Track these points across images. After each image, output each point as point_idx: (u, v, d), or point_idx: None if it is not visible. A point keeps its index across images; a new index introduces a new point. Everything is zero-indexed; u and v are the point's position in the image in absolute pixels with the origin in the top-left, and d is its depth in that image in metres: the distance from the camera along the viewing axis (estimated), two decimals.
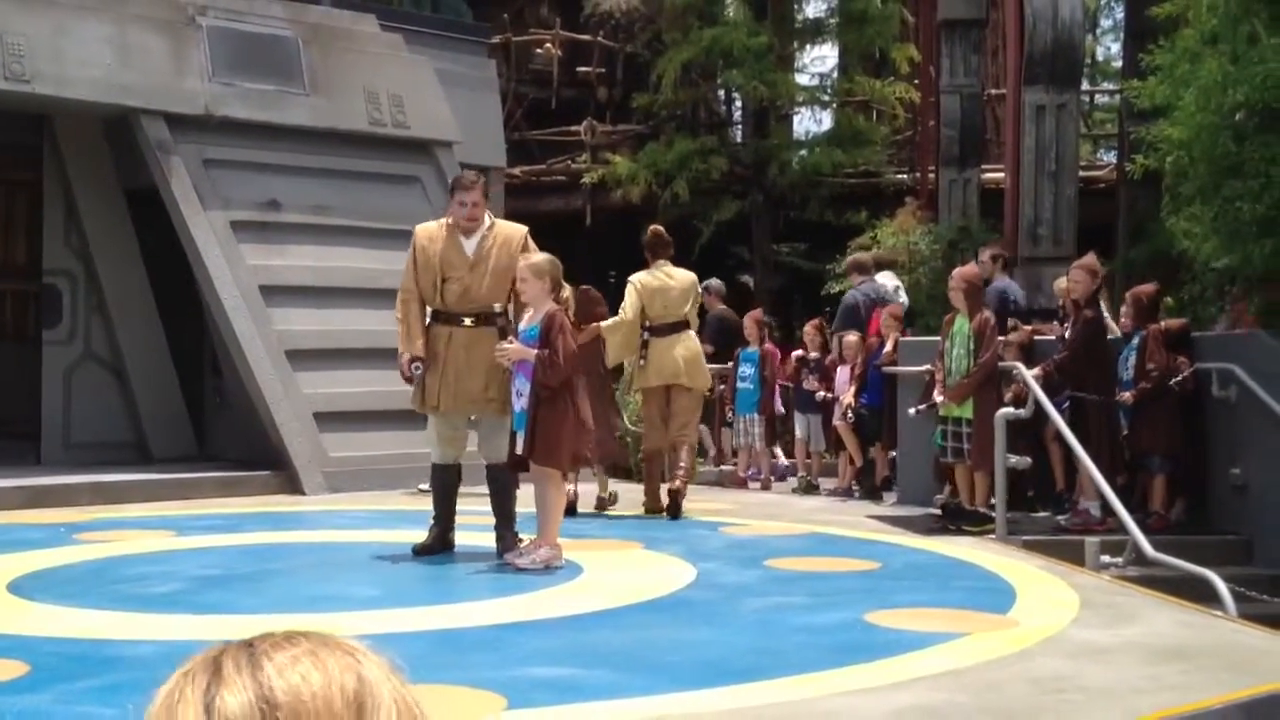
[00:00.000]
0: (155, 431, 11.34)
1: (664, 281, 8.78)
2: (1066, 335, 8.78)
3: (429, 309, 6.88)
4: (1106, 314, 9.07)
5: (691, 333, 8.84)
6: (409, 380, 6.83)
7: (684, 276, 8.92)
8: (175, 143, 10.47)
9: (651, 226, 9.39)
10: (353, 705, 0.87)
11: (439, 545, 6.89)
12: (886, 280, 11.09)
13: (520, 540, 6.65)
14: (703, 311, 11.61)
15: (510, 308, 6.78)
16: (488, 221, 6.93)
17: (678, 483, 8.61)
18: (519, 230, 7.02)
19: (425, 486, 9.28)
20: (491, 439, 6.82)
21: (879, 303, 10.63)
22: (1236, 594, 6.32)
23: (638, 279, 8.82)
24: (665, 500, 8.63)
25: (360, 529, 7.97)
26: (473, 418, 6.97)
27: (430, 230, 6.93)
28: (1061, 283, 9.37)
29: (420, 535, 7.14)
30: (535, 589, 5.88)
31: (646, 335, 8.72)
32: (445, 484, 6.93)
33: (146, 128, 10.41)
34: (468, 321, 6.76)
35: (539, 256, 6.48)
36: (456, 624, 5.16)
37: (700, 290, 11.07)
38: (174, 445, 11.33)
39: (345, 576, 6.46)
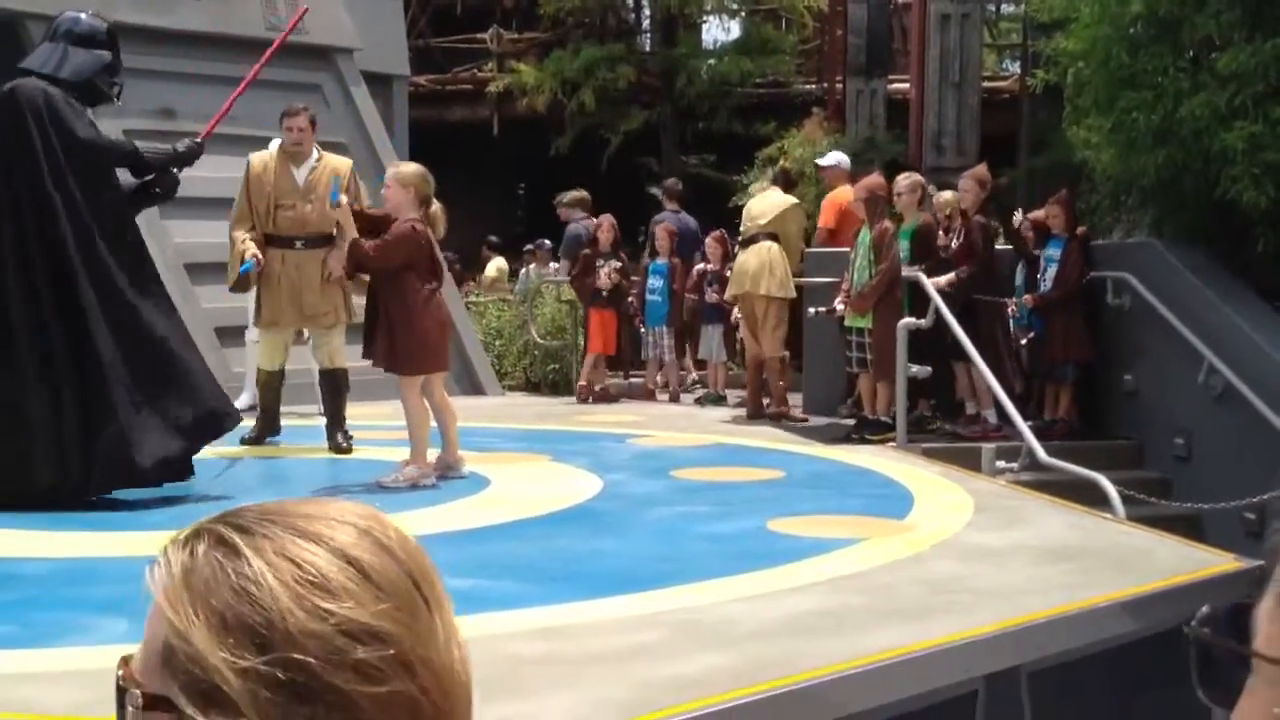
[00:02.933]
0: None
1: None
2: (953, 245, 8.89)
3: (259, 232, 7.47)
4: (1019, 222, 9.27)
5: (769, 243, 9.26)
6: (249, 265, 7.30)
7: (768, 194, 9.69)
8: None
9: None
10: (402, 550, 0.87)
11: (267, 431, 7.60)
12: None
13: (350, 440, 7.42)
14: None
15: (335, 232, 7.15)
16: (316, 153, 7.54)
17: (770, 408, 9.34)
18: (346, 163, 7.72)
19: (239, 404, 9.47)
20: (323, 347, 7.63)
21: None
22: (1125, 497, 6.52)
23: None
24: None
25: (259, 445, 7.87)
26: (305, 332, 7.72)
27: (263, 159, 7.54)
28: (944, 196, 9.41)
29: (309, 450, 7.55)
30: (440, 502, 5.90)
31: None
32: (275, 387, 7.68)
33: (33, 33, 10.01)
34: (299, 244, 7.38)
35: (407, 167, 6.61)
36: None
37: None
38: None
39: (240, 492, 6.40)
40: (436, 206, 6.42)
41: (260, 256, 7.32)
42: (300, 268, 7.39)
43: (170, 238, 10.09)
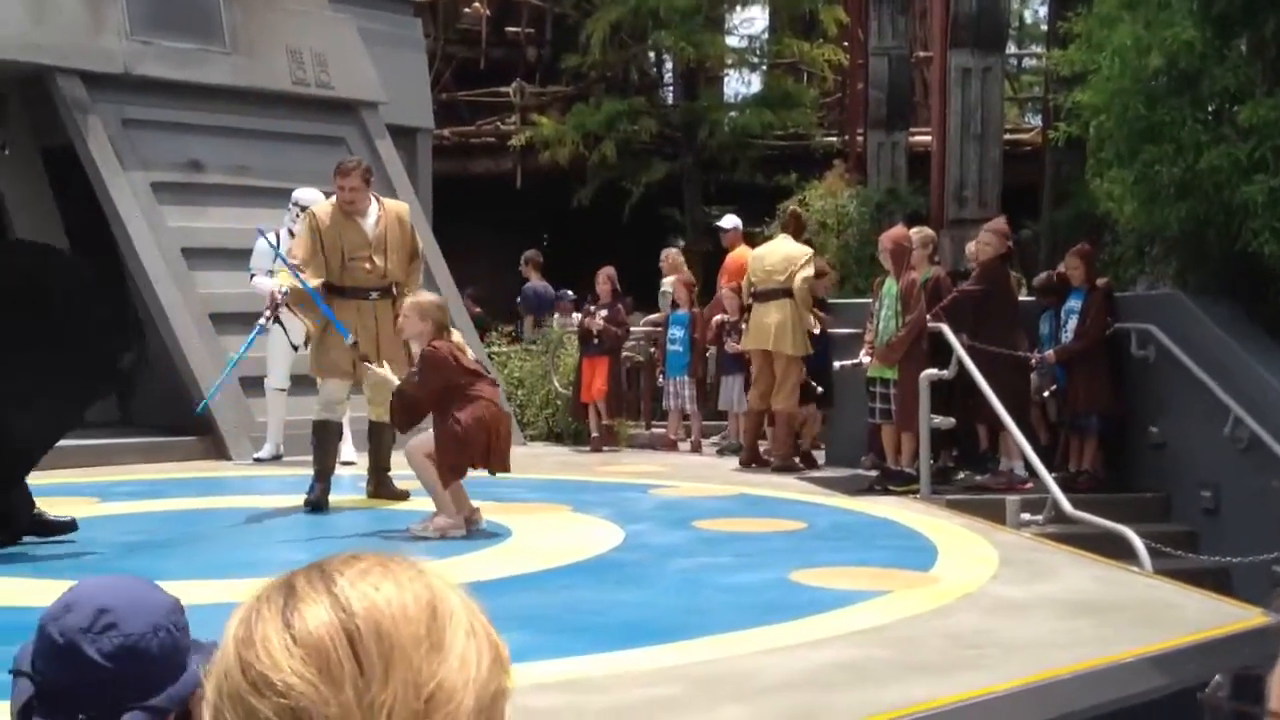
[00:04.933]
0: None
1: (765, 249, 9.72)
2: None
3: (328, 283, 7.22)
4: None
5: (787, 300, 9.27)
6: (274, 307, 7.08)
7: (780, 246, 9.64)
8: (93, 102, 10.24)
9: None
10: (426, 610, 0.90)
11: (327, 500, 7.20)
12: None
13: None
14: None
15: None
16: (375, 201, 7.35)
17: (773, 460, 9.34)
18: (403, 206, 7.62)
19: (261, 455, 9.49)
20: (380, 396, 7.22)
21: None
22: (1152, 550, 6.46)
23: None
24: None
25: (287, 494, 7.88)
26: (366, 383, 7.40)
27: (327, 211, 7.29)
28: (972, 246, 9.49)
29: (348, 498, 7.45)
30: (461, 553, 5.88)
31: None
32: (333, 441, 7.46)
33: (62, 87, 10.17)
34: (374, 295, 7.21)
35: (426, 298, 6.63)
36: None
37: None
38: (97, 410, 11.09)
39: (271, 542, 6.43)
40: (457, 336, 6.51)
41: (277, 298, 7.21)
42: (379, 318, 7.23)
43: (196, 288, 10.16)
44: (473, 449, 6.30)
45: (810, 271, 9.34)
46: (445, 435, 6.26)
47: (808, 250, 9.57)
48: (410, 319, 6.40)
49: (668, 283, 11.75)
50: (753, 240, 12.95)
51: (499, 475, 6.53)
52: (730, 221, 11.20)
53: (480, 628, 0.93)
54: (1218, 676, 0.77)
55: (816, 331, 9.46)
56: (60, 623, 1.55)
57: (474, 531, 6.39)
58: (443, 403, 6.28)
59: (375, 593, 0.89)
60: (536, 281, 13.80)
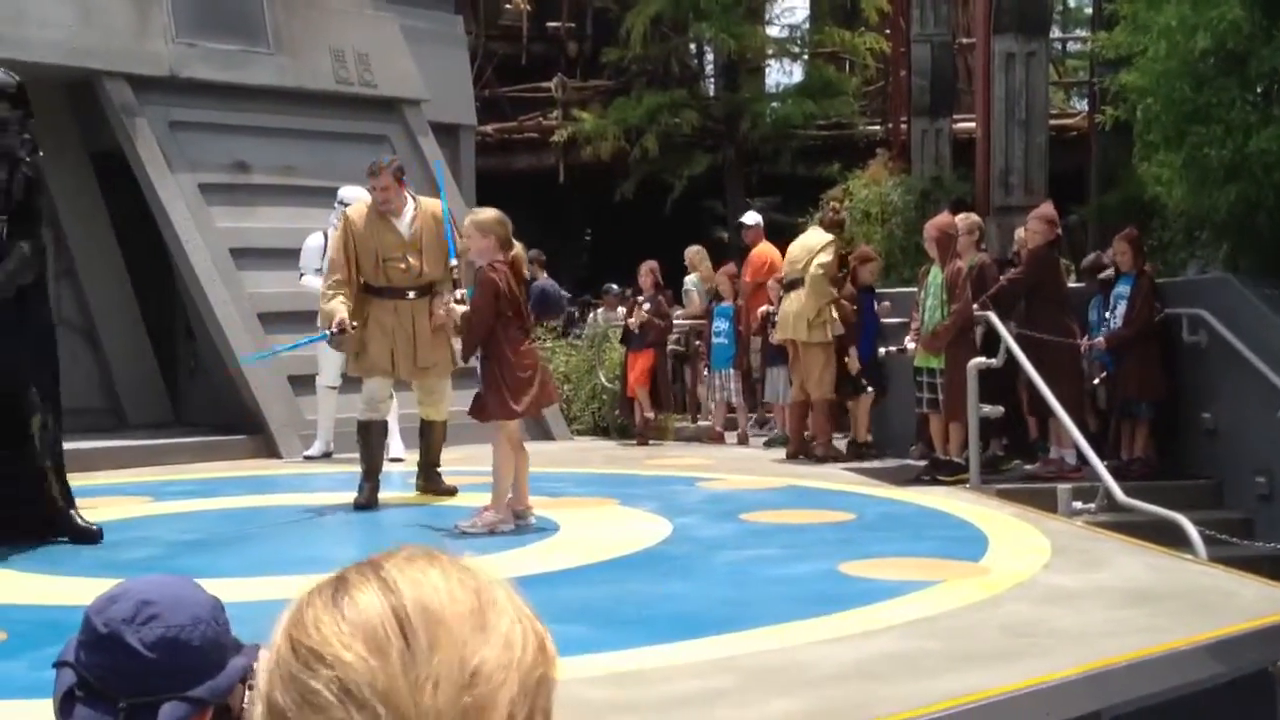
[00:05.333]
0: (130, 397, 11.26)
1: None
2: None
3: (365, 283, 7.25)
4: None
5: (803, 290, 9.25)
6: (340, 332, 7.01)
7: (806, 237, 9.70)
8: (140, 105, 10.34)
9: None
10: (472, 595, 0.92)
11: (376, 499, 7.23)
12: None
13: (445, 481, 7.55)
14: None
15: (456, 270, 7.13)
16: (411, 200, 7.31)
17: (816, 450, 9.31)
18: (438, 203, 7.45)
19: (311, 453, 9.55)
20: (431, 398, 7.50)
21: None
22: (1206, 537, 6.38)
23: None
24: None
25: (338, 491, 7.94)
26: (412, 381, 7.51)
27: (361, 212, 7.28)
28: (1021, 233, 9.43)
29: (396, 494, 7.49)
30: (511, 548, 5.90)
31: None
32: (378, 439, 7.42)
33: (110, 91, 10.28)
34: (411, 294, 7.22)
35: (485, 213, 6.51)
36: None
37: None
38: (149, 411, 11.26)
39: (324, 539, 6.48)
40: (518, 248, 6.44)
41: (347, 327, 6.98)
42: (417, 318, 7.23)
43: (244, 288, 10.26)
44: (514, 400, 6.30)
45: (826, 258, 9.22)
46: (488, 379, 6.31)
47: (827, 237, 9.44)
48: (473, 237, 6.36)
49: (690, 280, 11.93)
50: (792, 232, 12.93)
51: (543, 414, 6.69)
52: (752, 218, 11.40)
53: (525, 618, 0.95)
54: None
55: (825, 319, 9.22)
56: (104, 614, 1.57)
57: (523, 526, 6.41)
58: (489, 337, 6.31)
59: (423, 578, 0.92)
60: (544, 280, 13.91)
